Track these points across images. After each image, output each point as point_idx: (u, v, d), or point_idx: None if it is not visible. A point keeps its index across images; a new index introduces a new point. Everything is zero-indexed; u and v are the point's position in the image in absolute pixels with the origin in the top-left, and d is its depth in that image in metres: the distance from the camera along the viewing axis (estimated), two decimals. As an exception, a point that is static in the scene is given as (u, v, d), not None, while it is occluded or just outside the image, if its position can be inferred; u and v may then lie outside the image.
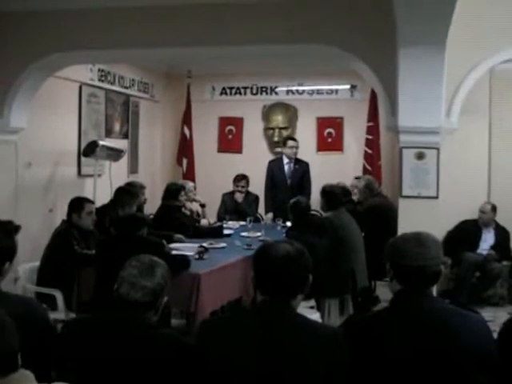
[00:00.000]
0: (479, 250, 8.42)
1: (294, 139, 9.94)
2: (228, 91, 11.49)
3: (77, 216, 6.16)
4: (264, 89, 11.35)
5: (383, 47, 5.59)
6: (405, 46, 5.23)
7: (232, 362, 2.52)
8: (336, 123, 11.00)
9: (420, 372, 2.52)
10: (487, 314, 6.77)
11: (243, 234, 7.67)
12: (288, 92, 11.25)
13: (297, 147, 9.59)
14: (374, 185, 8.39)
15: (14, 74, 6.57)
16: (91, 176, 8.47)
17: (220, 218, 9.07)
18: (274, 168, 9.67)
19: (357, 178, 9.21)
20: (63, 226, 6.21)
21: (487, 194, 8.69)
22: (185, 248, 6.41)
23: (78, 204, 6.24)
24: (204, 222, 8.49)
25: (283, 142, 9.96)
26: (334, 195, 6.97)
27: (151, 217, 7.79)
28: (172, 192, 8.03)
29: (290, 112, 11.20)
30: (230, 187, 9.55)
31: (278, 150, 10.56)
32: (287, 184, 9.48)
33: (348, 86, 10.84)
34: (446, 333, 2.55)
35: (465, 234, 8.48)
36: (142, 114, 10.72)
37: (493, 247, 8.41)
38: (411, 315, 2.61)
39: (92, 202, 6.45)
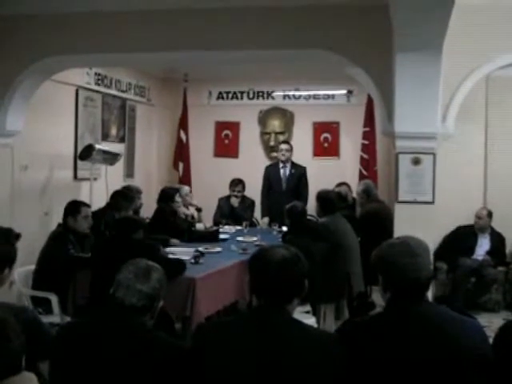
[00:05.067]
0: (475, 256, 8.43)
1: (286, 142, 10.07)
2: (224, 96, 11.51)
3: (73, 220, 6.13)
4: (260, 93, 11.37)
5: (380, 52, 5.61)
6: (401, 52, 5.24)
7: (228, 367, 2.51)
8: (332, 128, 11.02)
9: (417, 377, 2.51)
10: (483, 319, 6.76)
11: (239, 238, 7.65)
12: (284, 97, 11.28)
13: (287, 150, 9.61)
14: (372, 190, 8.38)
15: (11, 77, 6.56)
16: (87, 180, 8.46)
17: (216, 223, 9.06)
18: (271, 172, 9.70)
19: (338, 185, 9.22)
20: (59, 230, 6.19)
21: (483, 199, 8.70)
22: (180, 252, 6.39)
23: (74, 208, 6.21)
24: (200, 226, 8.48)
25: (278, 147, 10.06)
26: (329, 200, 6.98)
27: (147, 221, 7.77)
28: (167, 194, 8.03)
29: (287, 117, 11.23)
30: (226, 192, 9.55)
31: (274, 154, 10.56)
32: (282, 188, 9.50)
33: (344, 91, 10.88)
34: (442, 338, 2.55)
35: (461, 239, 8.49)
36: (139, 118, 10.71)
37: (488, 253, 8.42)
38: (408, 320, 2.60)
39: (88, 206, 6.42)
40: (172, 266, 5.23)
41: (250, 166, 10.56)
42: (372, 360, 2.56)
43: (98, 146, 8.25)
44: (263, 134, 11.37)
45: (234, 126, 11.50)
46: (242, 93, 11.44)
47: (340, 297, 6.65)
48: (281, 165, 9.64)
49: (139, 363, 2.66)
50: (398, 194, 5.70)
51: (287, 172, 9.57)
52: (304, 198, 9.00)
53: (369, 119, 10.08)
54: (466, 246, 8.45)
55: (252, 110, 11.31)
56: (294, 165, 9.62)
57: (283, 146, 9.77)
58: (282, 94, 11.27)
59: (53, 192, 8.08)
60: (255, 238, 7.50)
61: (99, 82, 9.27)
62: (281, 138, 11.01)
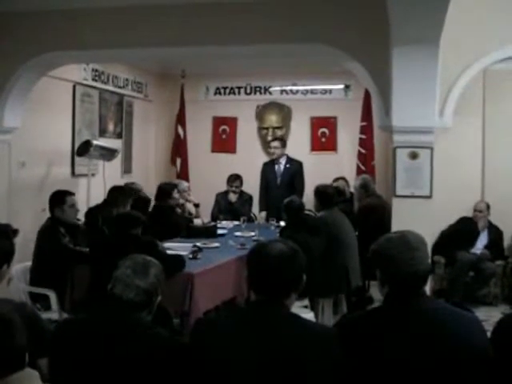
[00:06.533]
0: (473, 250, 8.42)
1: (276, 139, 10.12)
2: (222, 91, 11.49)
3: (60, 211, 6.12)
4: (258, 89, 11.35)
5: (377, 46, 5.59)
6: (398, 46, 5.23)
7: (227, 362, 2.51)
8: (330, 123, 11.01)
9: (416, 372, 2.51)
10: (481, 313, 6.78)
11: (237, 233, 7.64)
12: (282, 92, 11.26)
13: (276, 147, 9.67)
14: (370, 185, 8.39)
15: (8, 74, 6.55)
16: (85, 176, 8.46)
17: (214, 218, 9.07)
18: (267, 168, 9.72)
19: (335, 180, 9.24)
20: (48, 223, 6.17)
21: (481, 193, 8.70)
22: (178, 248, 6.39)
23: (59, 198, 6.19)
24: (198, 221, 8.48)
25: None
26: (327, 195, 6.98)
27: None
28: (165, 191, 8.01)
29: (284, 112, 11.22)
30: (223, 187, 9.55)
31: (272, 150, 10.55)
32: (277, 183, 9.52)
33: (342, 86, 10.86)
34: (441, 332, 2.55)
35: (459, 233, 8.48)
36: (136, 114, 10.71)
37: (486, 247, 8.42)
38: (406, 315, 2.60)
39: (72, 194, 6.39)
40: (172, 262, 5.23)
41: (248, 161, 10.57)
42: (370, 355, 2.56)
43: (95, 142, 8.26)
44: (261, 129, 11.37)
45: (232, 122, 11.48)
46: (239, 88, 11.42)
47: (338, 291, 6.65)
48: (275, 160, 9.66)
49: (138, 359, 2.66)
50: (395, 189, 5.70)
51: (282, 167, 9.60)
52: (299, 192, 8.99)
53: (366, 113, 10.07)
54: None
55: (249, 105, 11.30)
56: (289, 160, 9.64)
57: (272, 144, 9.88)
58: (279, 89, 11.25)
59: (50, 188, 7.97)
60: (253, 233, 7.51)
61: (96, 77, 9.26)
62: (278, 132, 11.02)
